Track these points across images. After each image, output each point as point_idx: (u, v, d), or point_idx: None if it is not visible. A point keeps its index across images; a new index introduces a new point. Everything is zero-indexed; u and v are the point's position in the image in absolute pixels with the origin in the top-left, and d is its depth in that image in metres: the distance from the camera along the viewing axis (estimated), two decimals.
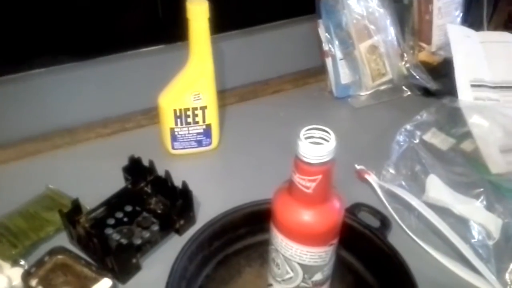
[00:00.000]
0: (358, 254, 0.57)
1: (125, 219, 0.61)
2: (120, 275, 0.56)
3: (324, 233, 0.41)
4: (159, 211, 0.63)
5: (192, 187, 0.62)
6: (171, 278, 0.51)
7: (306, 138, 0.38)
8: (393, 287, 0.53)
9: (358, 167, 0.69)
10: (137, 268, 0.57)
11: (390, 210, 0.64)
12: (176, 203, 0.60)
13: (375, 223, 0.58)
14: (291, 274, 0.43)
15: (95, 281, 0.55)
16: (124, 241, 0.59)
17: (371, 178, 0.67)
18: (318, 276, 0.44)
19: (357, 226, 0.57)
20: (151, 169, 0.64)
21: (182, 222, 0.61)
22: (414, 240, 0.61)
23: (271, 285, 0.47)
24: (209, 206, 0.65)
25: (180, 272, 0.53)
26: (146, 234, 0.60)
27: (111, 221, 0.61)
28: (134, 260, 0.56)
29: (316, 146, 0.37)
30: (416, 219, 0.63)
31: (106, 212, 0.62)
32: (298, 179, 0.38)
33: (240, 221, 0.59)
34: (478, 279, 0.56)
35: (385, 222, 0.58)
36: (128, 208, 0.63)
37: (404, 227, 0.62)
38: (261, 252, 0.59)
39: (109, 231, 0.60)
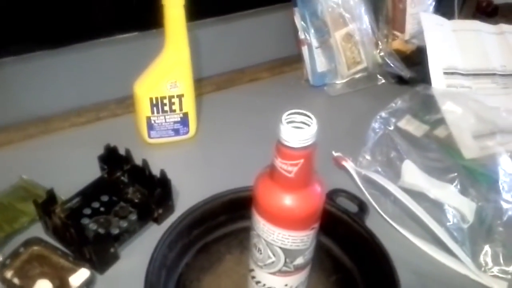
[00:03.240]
0: (337, 239, 0.57)
1: (102, 209, 0.61)
2: (98, 265, 0.55)
3: (306, 217, 0.41)
4: (136, 201, 0.62)
5: (170, 176, 0.62)
6: (151, 266, 0.50)
7: (288, 122, 0.38)
8: (371, 271, 0.54)
9: (335, 154, 0.70)
10: (115, 257, 0.56)
11: (367, 196, 0.65)
12: (154, 192, 0.59)
13: (353, 208, 0.59)
14: (273, 258, 0.43)
15: (73, 271, 0.54)
16: (101, 231, 0.58)
17: (348, 164, 0.68)
18: (299, 260, 0.44)
19: (335, 211, 0.57)
20: (127, 158, 0.64)
21: (160, 211, 0.60)
22: (391, 225, 0.62)
23: (252, 270, 0.47)
24: (188, 195, 0.64)
25: (160, 260, 0.52)
26: (124, 224, 0.59)
27: (88, 211, 0.60)
28: (112, 250, 0.56)
29: (298, 130, 0.37)
30: (392, 204, 0.64)
31: (82, 202, 0.61)
32: (280, 163, 0.38)
33: (219, 209, 0.58)
34: (454, 262, 0.58)
35: (362, 207, 0.59)
36: (105, 198, 0.62)
37: (381, 212, 0.63)
38: (241, 239, 0.59)
39: (85, 221, 0.59)
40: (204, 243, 0.58)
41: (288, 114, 0.39)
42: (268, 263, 0.44)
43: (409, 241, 0.61)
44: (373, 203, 0.64)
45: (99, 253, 0.54)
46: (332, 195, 0.60)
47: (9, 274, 0.54)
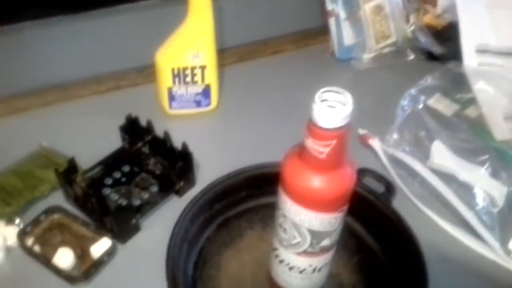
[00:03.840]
0: (362, 219, 0.56)
1: (123, 179, 0.60)
2: (119, 236, 0.54)
3: (335, 199, 0.39)
4: (157, 172, 0.61)
5: (191, 148, 0.60)
6: (173, 240, 0.50)
7: (321, 101, 0.36)
8: (396, 253, 0.52)
9: (361, 131, 0.67)
10: (136, 229, 0.56)
11: (394, 176, 0.63)
12: (175, 165, 0.58)
13: (379, 188, 0.57)
14: (299, 239, 0.42)
15: (94, 241, 0.54)
16: (123, 201, 0.57)
17: (375, 143, 0.66)
18: (326, 242, 0.42)
19: (361, 191, 0.56)
20: (148, 129, 0.62)
21: (181, 183, 0.59)
22: (418, 207, 0.60)
23: (276, 249, 0.45)
24: (209, 168, 0.63)
25: (182, 234, 0.51)
26: (145, 195, 0.58)
27: (109, 181, 0.59)
28: (133, 221, 0.55)
29: (332, 109, 0.35)
30: (420, 185, 0.62)
31: (103, 171, 0.60)
32: (311, 144, 0.36)
33: (241, 184, 0.57)
34: (482, 246, 0.56)
35: (389, 187, 0.57)
36: (126, 168, 0.61)
37: (408, 193, 0.61)
38: (263, 215, 0.58)
39: (107, 191, 0.58)
40: (226, 218, 0.57)
41: (322, 92, 0.36)
42: (294, 243, 0.43)
43: (436, 223, 0.59)
44: (400, 183, 0.62)
45: (120, 224, 0.54)
46: (358, 174, 0.58)
47: (29, 241, 0.54)
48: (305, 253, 0.43)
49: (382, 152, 0.65)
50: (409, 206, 0.60)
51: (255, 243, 0.56)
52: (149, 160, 0.62)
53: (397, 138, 0.67)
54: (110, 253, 0.53)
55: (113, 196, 0.58)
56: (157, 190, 0.58)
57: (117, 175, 0.60)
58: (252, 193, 0.58)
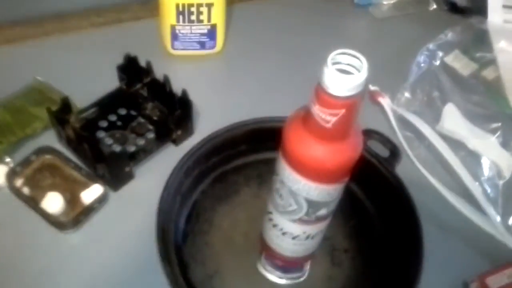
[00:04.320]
0: (361, 183, 0.54)
1: (119, 123, 0.57)
2: (111, 183, 0.53)
3: (337, 171, 0.37)
4: (155, 118, 0.58)
5: (191, 94, 0.57)
6: (166, 192, 0.48)
7: (333, 63, 0.33)
8: (394, 219, 0.51)
9: (371, 87, 0.64)
10: (130, 176, 0.54)
11: (400, 138, 0.60)
12: (174, 112, 0.55)
13: (384, 152, 0.55)
14: (295, 206, 0.40)
15: (85, 186, 0.52)
16: (117, 147, 0.55)
17: (385, 101, 0.63)
18: (323, 211, 0.41)
19: (365, 154, 0.53)
20: (148, 70, 0.59)
21: (179, 132, 0.57)
22: (422, 172, 0.58)
23: (270, 213, 0.44)
24: (209, 117, 0.61)
25: (175, 186, 0.50)
26: (141, 142, 0.56)
27: (104, 124, 0.57)
28: (127, 169, 0.53)
29: (345, 76, 0.32)
30: (426, 149, 0.60)
31: (98, 113, 0.58)
32: (318, 111, 0.34)
33: (241, 138, 0.55)
34: (482, 219, 0.54)
35: (395, 152, 0.54)
36: (122, 111, 0.58)
37: (413, 157, 0.59)
38: (260, 171, 0.56)
39: (101, 134, 0.56)
40: (222, 172, 0.55)
41: (336, 54, 0.33)
42: (289, 210, 0.41)
43: (439, 192, 0.57)
44: (406, 147, 0.59)
45: (113, 171, 0.52)
46: (363, 135, 0.55)
47: (19, 182, 0.52)
48: (300, 220, 0.42)
49: (391, 112, 0.62)
50: (413, 171, 0.57)
51: (250, 201, 0.54)
52: (146, 104, 0.59)
53: (408, 97, 0.64)
54: (101, 200, 0.52)
55: (107, 141, 0.56)
56: (153, 137, 0.56)
57: (112, 118, 0.58)
58: (252, 148, 0.56)
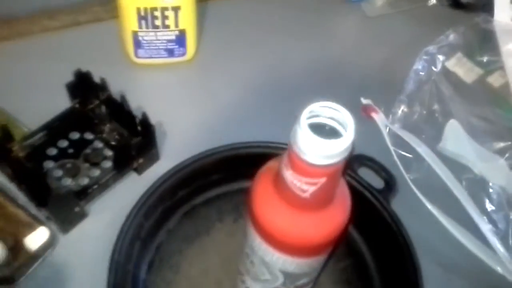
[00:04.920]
0: (354, 219, 0.47)
1: (70, 150, 0.49)
2: (60, 225, 0.45)
3: (318, 245, 0.30)
4: (113, 143, 0.50)
5: (158, 108, 0.50)
6: (119, 242, 0.41)
7: (310, 118, 0.25)
8: (390, 262, 0.44)
9: (364, 101, 0.56)
10: (81, 216, 0.46)
11: (396, 160, 0.53)
12: (133, 141, 0.47)
13: (378, 182, 0.47)
14: (269, 277, 0.33)
15: (30, 228, 0.44)
16: (66, 181, 0.47)
17: (379, 117, 0.55)
18: (303, 281, 0.33)
19: (356, 186, 0.46)
20: (103, 87, 0.51)
21: (141, 160, 0.49)
22: (421, 201, 0.51)
23: (242, 275, 0.37)
24: (178, 138, 0.53)
25: (133, 232, 0.42)
26: (95, 173, 0.48)
27: (53, 151, 0.49)
28: (77, 209, 0.45)
29: (325, 141, 0.24)
30: (426, 172, 0.52)
31: (47, 138, 0.50)
32: (292, 177, 0.26)
33: (213, 167, 0.47)
34: (490, 256, 0.47)
35: (390, 183, 0.47)
36: (75, 136, 0.50)
37: (411, 184, 0.51)
38: (236, 204, 0.48)
39: (49, 164, 0.48)
40: (192, 207, 0.48)
41: (312, 109, 0.25)
42: (262, 279, 0.34)
43: (440, 222, 0.50)
44: (402, 169, 0.52)
45: (60, 214, 0.44)
46: (354, 162, 0.48)
47: None
48: None
49: (385, 130, 0.54)
50: (411, 197, 0.50)
51: (224, 240, 0.47)
52: (103, 125, 0.51)
53: (405, 112, 0.56)
54: (47, 247, 0.44)
55: (56, 173, 0.48)
56: (110, 167, 0.48)
57: (63, 143, 0.49)
58: (226, 176, 0.49)
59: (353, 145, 0.25)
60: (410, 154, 0.53)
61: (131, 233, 0.42)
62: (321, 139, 0.24)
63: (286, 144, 0.45)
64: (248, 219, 0.31)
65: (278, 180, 0.27)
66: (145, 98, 0.54)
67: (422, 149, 0.53)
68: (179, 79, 0.59)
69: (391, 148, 0.53)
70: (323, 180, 0.25)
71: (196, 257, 0.46)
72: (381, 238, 0.45)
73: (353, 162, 0.48)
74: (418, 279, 0.42)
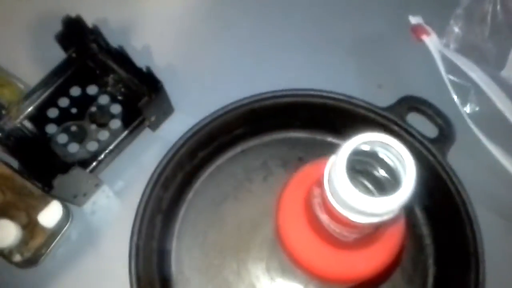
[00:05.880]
0: None
1: (73, 110, 0.43)
2: (73, 201, 0.41)
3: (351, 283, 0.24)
4: (120, 97, 0.44)
5: (166, 48, 0.44)
6: (137, 223, 0.37)
7: (352, 166, 0.18)
8: (445, 221, 0.39)
9: (413, 20, 0.46)
10: (96, 186, 0.42)
11: (451, 92, 0.45)
12: (140, 102, 0.40)
13: (431, 130, 0.40)
14: None
15: (43, 202, 0.41)
16: (73, 147, 0.42)
17: (430, 40, 0.46)
18: None
19: (404, 134, 0.39)
20: (97, 33, 0.43)
21: (153, 118, 0.43)
22: (478, 139, 0.43)
23: None
24: (191, 82, 0.46)
25: (152, 207, 0.38)
26: (104, 135, 0.43)
27: (54, 113, 0.43)
28: (90, 181, 0.41)
29: (372, 199, 0.17)
30: (486, 106, 0.44)
31: (46, 98, 0.44)
32: (328, 222, 0.20)
33: (237, 122, 0.41)
34: None
35: (445, 132, 0.39)
36: (76, 92, 0.44)
37: (467, 119, 0.44)
38: (264, 160, 0.43)
39: (51, 129, 0.43)
40: (215, 168, 0.42)
41: (354, 147, 0.18)
42: None
43: (502, 169, 0.43)
44: (458, 103, 0.44)
45: (72, 187, 0.40)
46: (401, 105, 0.40)
47: None
48: None
49: (438, 57, 0.45)
50: (469, 141, 0.43)
51: (253, 202, 0.42)
52: (107, 76, 0.44)
53: (463, 30, 0.46)
54: (63, 223, 0.40)
55: (61, 138, 0.42)
56: (120, 127, 0.43)
57: (64, 102, 0.43)
58: (251, 130, 0.42)
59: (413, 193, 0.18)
60: (468, 83, 0.45)
61: (151, 209, 0.37)
62: (367, 197, 0.17)
63: (315, 91, 0.38)
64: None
65: (310, 213, 0.21)
66: (151, 35, 0.46)
67: (482, 77, 0.44)
68: (189, 9, 0.50)
69: (445, 77, 0.45)
70: (368, 231, 0.19)
71: (224, 223, 0.41)
72: (434, 195, 0.39)
73: (401, 104, 0.40)
74: (475, 234, 0.36)
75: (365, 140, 0.18)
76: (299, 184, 0.24)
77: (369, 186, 0.21)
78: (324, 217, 0.20)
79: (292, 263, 0.24)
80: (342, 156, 0.18)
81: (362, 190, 0.21)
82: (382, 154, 0.19)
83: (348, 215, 0.18)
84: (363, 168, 0.19)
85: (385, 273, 0.25)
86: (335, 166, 0.18)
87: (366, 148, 0.19)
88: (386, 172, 0.19)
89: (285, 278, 0.37)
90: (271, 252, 0.39)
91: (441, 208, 0.39)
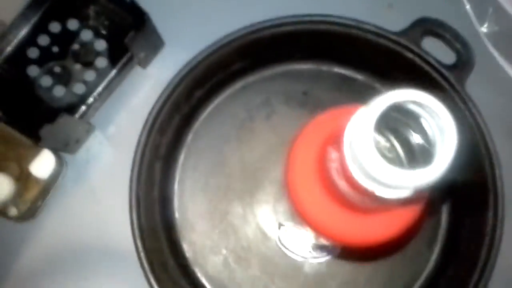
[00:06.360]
0: None
1: (55, 49, 0.39)
2: (65, 149, 0.38)
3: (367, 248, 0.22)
4: (103, 32, 0.40)
5: None
6: (135, 171, 0.34)
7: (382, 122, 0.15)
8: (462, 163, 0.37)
9: None
10: (88, 132, 0.39)
11: (468, 9, 0.40)
12: (126, 38, 0.36)
13: (449, 55, 0.36)
14: None
15: (33, 151, 0.38)
16: (59, 90, 0.39)
17: None
18: None
19: (419, 63, 0.36)
20: None
21: (142, 55, 0.39)
22: (498, 64, 0.40)
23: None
24: (181, 9, 0.41)
25: (150, 154, 0.35)
26: (91, 76, 0.39)
27: (34, 53, 0.39)
28: (80, 128, 0.38)
29: (403, 172, 0.15)
30: (506, 26, 0.40)
31: (25, 36, 0.39)
32: (347, 189, 0.17)
33: (234, 56, 0.37)
34: None
35: (463, 58, 0.36)
36: (56, 27, 0.40)
37: (485, 39, 0.40)
38: (267, 96, 0.40)
39: (33, 71, 0.39)
40: (214, 106, 0.39)
41: (387, 106, 0.15)
42: None
43: None
44: (476, 23, 0.40)
45: (63, 134, 0.37)
46: (415, 29, 0.36)
47: None
48: None
49: None
50: (489, 67, 0.40)
51: (256, 143, 0.39)
52: (87, 8, 0.40)
53: None
54: (57, 174, 0.38)
55: (45, 81, 0.39)
56: (107, 66, 0.39)
57: (44, 40, 0.39)
58: (250, 64, 0.39)
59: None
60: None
61: (148, 157, 0.35)
62: (397, 169, 0.14)
63: (318, 16, 0.34)
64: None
65: (325, 176, 0.19)
66: None
67: None
68: None
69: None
70: (393, 203, 0.17)
71: (227, 166, 0.39)
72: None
73: (415, 28, 0.36)
74: (494, 169, 0.34)
75: (403, 99, 0.15)
76: (311, 140, 0.21)
77: (399, 149, 0.19)
78: (342, 184, 0.18)
79: (304, 224, 0.22)
80: (370, 120, 0.15)
81: (390, 154, 0.19)
82: (421, 117, 0.16)
83: (373, 187, 0.16)
84: (394, 126, 0.17)
85: (405, 238, 0.23)
86: (360, 131, 0.15)
87: (403, 106, 0.16)
88: (422, 138, 0.17)
89: (294, 221, 0.36)
90: (278, 194, 0.37)
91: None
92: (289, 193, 0.22)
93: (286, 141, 0.38)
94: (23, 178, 0.38)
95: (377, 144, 0.18)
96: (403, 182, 0.15)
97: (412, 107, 0.16)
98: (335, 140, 0.18)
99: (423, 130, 0.16)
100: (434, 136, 0.16)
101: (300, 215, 0.22)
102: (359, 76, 0.39)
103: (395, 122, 0.17)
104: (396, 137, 0.18)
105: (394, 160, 0.18)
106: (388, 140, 0.18)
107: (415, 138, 0.17)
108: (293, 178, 0.22)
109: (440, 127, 0.16)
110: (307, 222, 0.21)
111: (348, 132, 0.17)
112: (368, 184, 0.16)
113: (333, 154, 0.18)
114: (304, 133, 0.22)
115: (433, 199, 0.36)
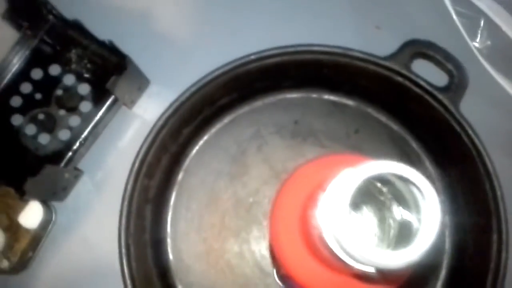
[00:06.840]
0: (408, 124, 0.37)
1: (38, 96, 0.39)
2: (53, 198, 0.37)
3: None
4: (86, 75, 0.39)
5: (132, 12, 0.38)
6: (123, 221, 0.33)
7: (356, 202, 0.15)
8: (462, 185, 0.35)
9: None
10: (75, 177, 0.38)
11: (458, 25, 0.39)
12: (108, 82, 0.35)
13: (440, 77, 0.35)
14: None
15: (22, 201, 0.37)
16: (44, 138, 0.38)
17: None
18: None
19: (410, 87, 0.35)
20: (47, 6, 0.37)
21: (126, 96, 0.38)
22: (492, 78, 0.39)
23: None
24: (166, 45, 0.41)
25: (138, 199, 0.34)
26: (76, 121, 0.38)
27: (17, 102, 0.39)
28: (66, 175, 0.37)
29: (383, 253, 0.13)
30: (497, 41, 0.39)
31: (7, 85, 0.39)
32: (329, 254, 0.16)
33: (222, 90, 0.36)
34: None
35: (458, 78, 0.35)
36: (38, 74, 0.39)
37: (478, 55, 0.39)
38: (258, 128, 0.38)
39: (17, 120, 0.38)
40: (203, 143, 0.38)
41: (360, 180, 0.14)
42: None
43: None
44: (468, 39, 0.39)
45: (50, 184, 0.36)
46: (406, 54, 0.35)
47: None
48: None
49: None
50: (487, 91, 0.38)
51: (251, 178, 0.38)
52: (68, 52, 0.39)
53: None
54: (46, 223, 0.37)
55: (29, 129, 0.38)
56: (92, 110, 0.38)
57: (27, 88, 0.39)
58: (238, 97, 0.38)
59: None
60: (476, 14, 0.39)
61: (137, 201, 0.34)
62: (377, 250, 0.13)
63: (305, 46, 0.33)
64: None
65: (309, 239, 0.17)
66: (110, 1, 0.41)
67: (491, 6, 0.39)
68: None
69: (451, 8, 0.39)
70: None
71: (220, 202, 0.38)
72: (448, 150, 0.36)
73: (404, 55, 0.35)
74: (495, 191, 0.33)
75: (375, 172, 0.14)
76: (294, 196, 0.20)
77: (383, 224, 0.17)
78: (325, 252, 0.17)
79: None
80: (345, 196, 0.14)
81: (377, 229, 0.17)
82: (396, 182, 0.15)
83: (351, 264, 0.15)
84: (377, 197, 0.15)
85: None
86: (334, 206, 0.14)
87: (383, 177, 0.14)
88: (404, 210, 0.15)
89: None
90: None
91: (456, 164, 0.35)
92: (274, 251, 0.21)
93: (279, 172, 0.38)
94: (13, 229, 0.38)
95: (359, 217, 0.17)
96: (382, 263, 0.14)
97: (391, 178, 0.15)
98: (314, 201, 0.17)
99: (406, 204, 0.15)
100: (417, 209, 0.15)
101: (286, 272, 0.20)
102: (350, 102, 0.38)
103: (377, 193, 0.16)
104: (379, 210, 0.17)
105: (381, 236, 0.17)
106: (372, 212, 0.17)
107: (398, 212, 0.16)
108: (277, 238, 0.21)
109: (422, 200, 0.15)
110: (293, 280, 0.20)
111: (323, 207, 0.15)
112: (348, 260, 0.15)
113: (313, 219, 0.17)
114: (286, 188, 0.21)
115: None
